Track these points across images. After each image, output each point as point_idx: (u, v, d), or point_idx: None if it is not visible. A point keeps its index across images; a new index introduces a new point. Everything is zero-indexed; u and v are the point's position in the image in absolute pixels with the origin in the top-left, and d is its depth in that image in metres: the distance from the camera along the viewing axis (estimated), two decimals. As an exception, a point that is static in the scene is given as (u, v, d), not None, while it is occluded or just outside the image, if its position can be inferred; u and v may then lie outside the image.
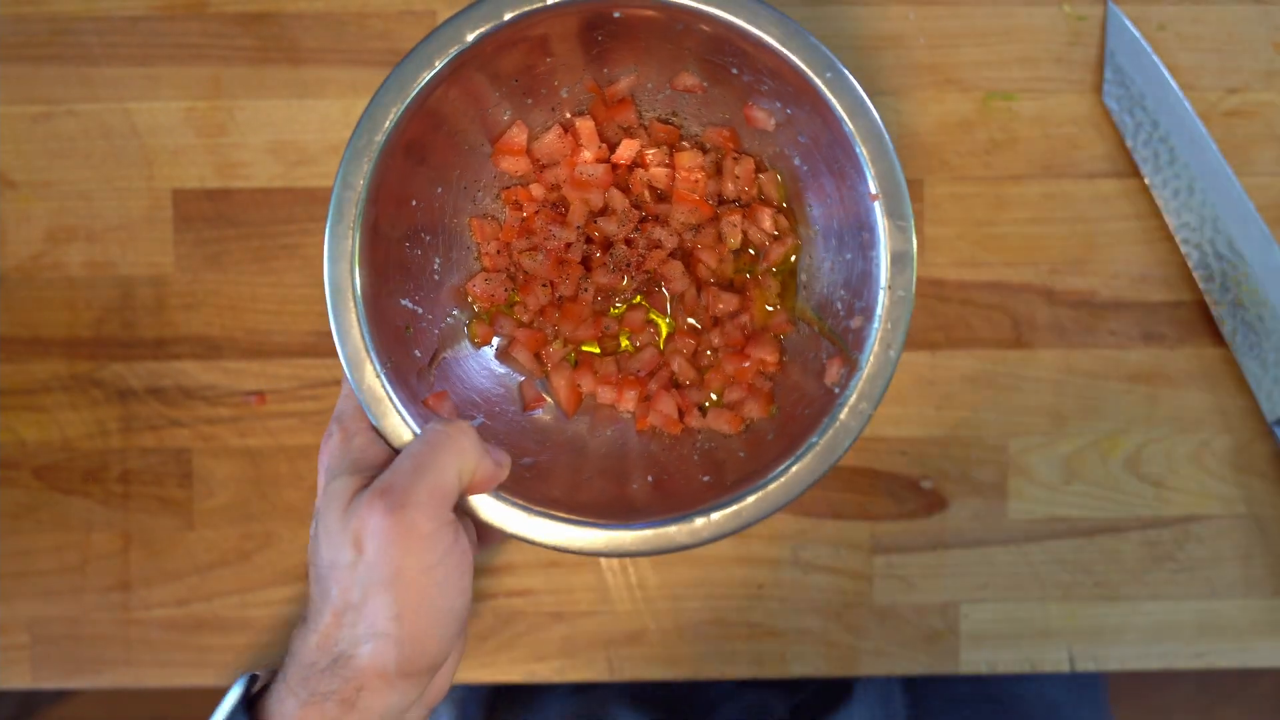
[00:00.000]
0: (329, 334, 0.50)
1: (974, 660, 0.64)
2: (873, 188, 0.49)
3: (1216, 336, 0.64)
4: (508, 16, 0.49)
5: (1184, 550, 0.64)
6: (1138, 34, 0.61)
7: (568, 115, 0.57)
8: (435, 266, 0.56)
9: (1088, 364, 0.64)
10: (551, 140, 0.56)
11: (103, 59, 0.63)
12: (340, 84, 0.63)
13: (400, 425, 0.49)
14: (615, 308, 0.58)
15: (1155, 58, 0.60)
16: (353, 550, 0.43)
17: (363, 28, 0.63)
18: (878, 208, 0.49)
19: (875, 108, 0.49)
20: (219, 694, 0.47)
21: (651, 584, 0.64)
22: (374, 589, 0.43)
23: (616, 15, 0.51)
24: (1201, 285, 0.63)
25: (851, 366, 0.50)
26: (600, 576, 0.64)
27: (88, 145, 0.63)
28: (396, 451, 0.48)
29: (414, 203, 0.54)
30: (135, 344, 0.64)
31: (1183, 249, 0.62)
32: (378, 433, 0.49)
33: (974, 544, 0.64)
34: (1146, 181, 0.63)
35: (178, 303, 0.64)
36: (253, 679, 0.47)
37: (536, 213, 0.56)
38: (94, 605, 0.64)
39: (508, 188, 0.57)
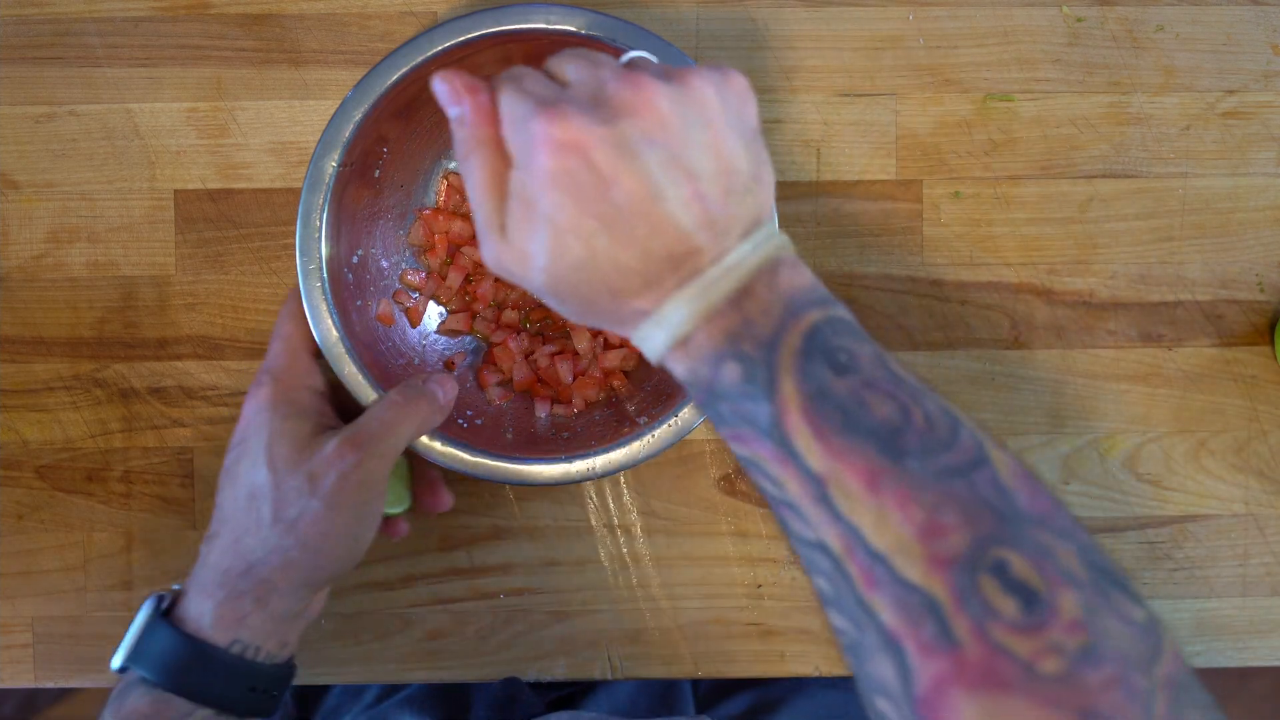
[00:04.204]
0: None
1: (973, 659, 0.64)
2: None
3: (1214, 336, 0.64)
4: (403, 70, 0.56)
5: (1182, 550, 0.64)
6: None
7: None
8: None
9: (1086, 364, 0.64)
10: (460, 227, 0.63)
11: (105, 60, 0.63)
12: (342, 85, 0.63)
13: (355, 371, 0.56)
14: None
15: None
16: (306, 481, 0.50)
17: (364, 29, 0.63)
18: None
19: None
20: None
21: (653, 583, 0.64)
22: (313, 512, 0.50)
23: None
24: None
25: None
26: (601, 576, 0.64)
27: (90, 146, 0.64)
28: (327, 398, 0.56)
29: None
30: (137, 344, 0.64)
31: None
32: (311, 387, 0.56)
33: (973, 543, 0.64)
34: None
35: (179, 303, 0.64)
36: (160, 598, 0.53)
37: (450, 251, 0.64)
38: (96, 604, 0.64)
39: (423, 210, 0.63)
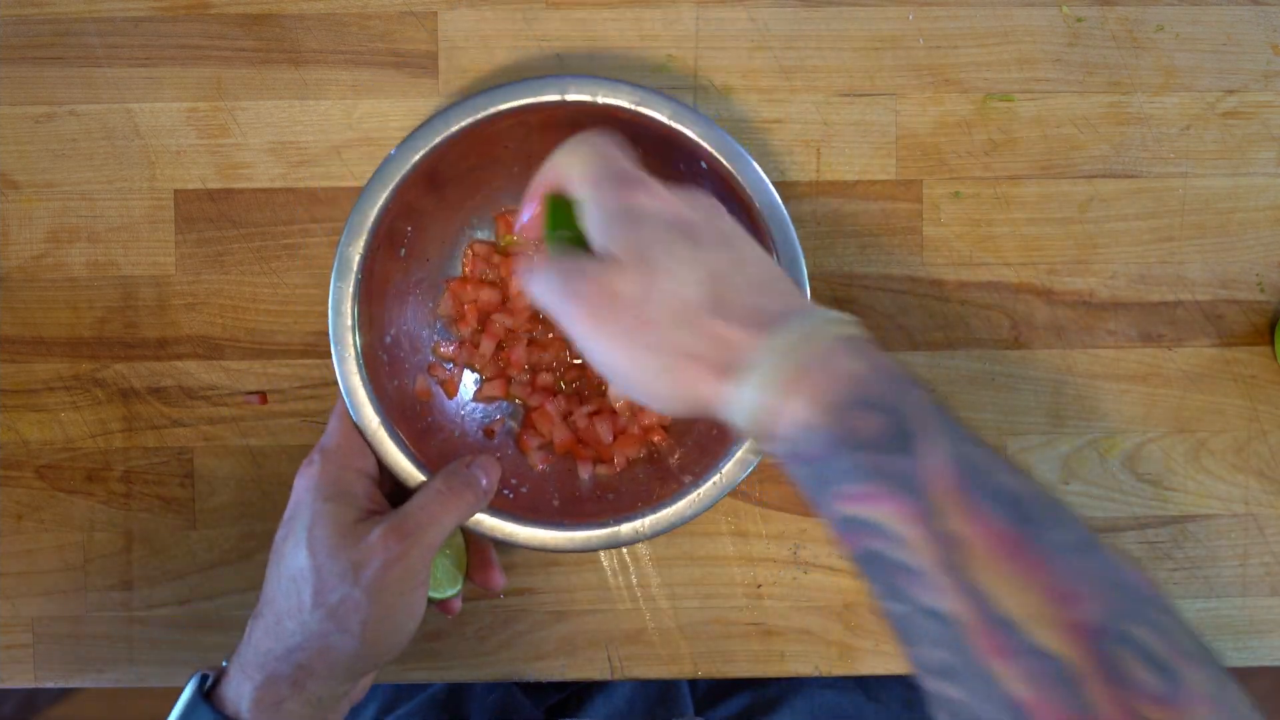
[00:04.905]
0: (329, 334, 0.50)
1: (973, 659, 0.64)
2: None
3: (1214, 336, 0.64)
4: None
5: (1182, 549, 0.64)
6: None
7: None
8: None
9: (1086, 364, 0.64)
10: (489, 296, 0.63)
11: (105, 60, 0.63)
12: (341, 85, 0.63)
13: (398, 454, 0.56)
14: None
15: None
16: (349, 568, 0.50)
17: (364, 29, 0.63)
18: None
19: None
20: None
21: (652, 583, 0.64)
22: (354, 600, 0.50)
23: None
24: None
25: None
26: (601, 575, 0.64)
27: (90, 146, 0.64)
28: (378, 482, 0.55)
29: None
30: (137, 344, 0.64)
31: None
32: (360, 469, 0.55)
33: (973, 543, 0.64)
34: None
35: (179, 303, 0.64)
36: (204, 676, 0.53)
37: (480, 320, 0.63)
38: (96, 604, 0.64)
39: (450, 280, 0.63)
